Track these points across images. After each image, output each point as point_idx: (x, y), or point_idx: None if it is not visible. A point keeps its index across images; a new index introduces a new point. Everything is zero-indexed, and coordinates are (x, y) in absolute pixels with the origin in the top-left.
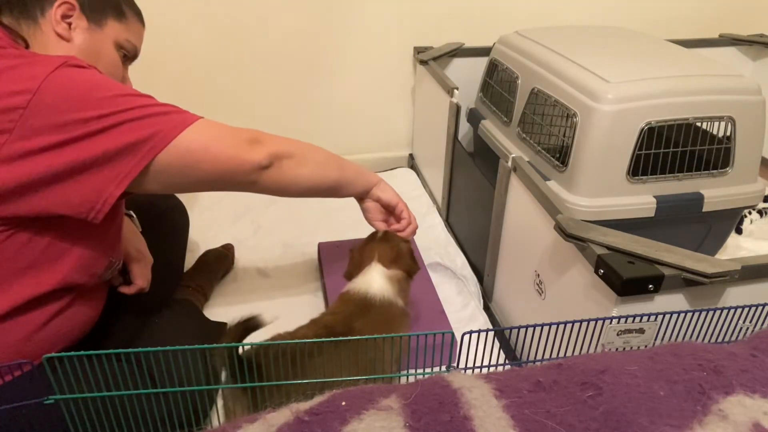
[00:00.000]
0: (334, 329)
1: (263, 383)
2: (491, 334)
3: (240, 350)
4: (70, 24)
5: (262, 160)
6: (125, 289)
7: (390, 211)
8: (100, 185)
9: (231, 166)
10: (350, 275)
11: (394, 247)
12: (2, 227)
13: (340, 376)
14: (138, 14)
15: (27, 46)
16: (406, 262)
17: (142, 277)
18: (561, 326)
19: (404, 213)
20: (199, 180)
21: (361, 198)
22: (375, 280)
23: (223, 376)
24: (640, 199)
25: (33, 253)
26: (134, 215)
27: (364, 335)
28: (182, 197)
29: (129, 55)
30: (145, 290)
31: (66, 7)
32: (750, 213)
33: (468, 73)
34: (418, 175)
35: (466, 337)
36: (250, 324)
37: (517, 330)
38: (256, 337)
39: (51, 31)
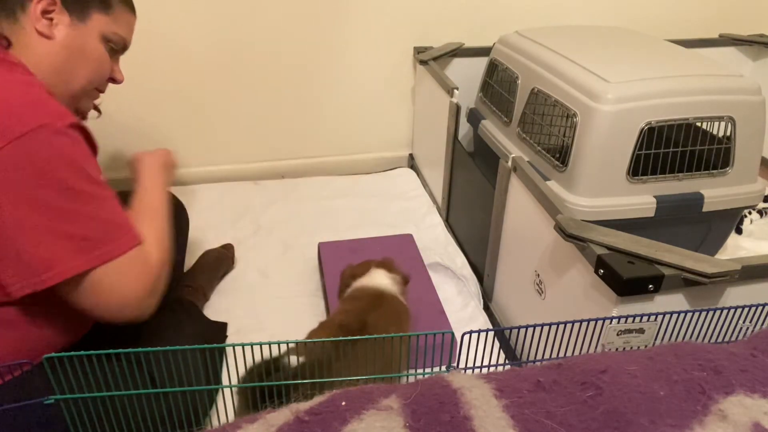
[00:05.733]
0: (349, 327)
1: (264, 383)
2: (491, 334)
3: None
4: (51, 20)
5: (146, 310)
6: None
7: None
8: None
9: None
10: (342, 292)
11: (387, 262)
12: None
13: (364, 375)
14: (126, 3)
15: (9, 45)
16: (400, 271)
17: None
18: (561, 326)
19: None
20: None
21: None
22: (381, 278)
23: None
24: (640, 199)
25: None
26: None
27: (378, 329)
28: (182, 197)
29: (117, 47)
30: None
31: (46, 3)
32: (750, 213)
33: (468, 73)
34: (418, 175)
35: (466, 337)
36: (276, 364)
37: (517, 330)
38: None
39: (33, 29)
